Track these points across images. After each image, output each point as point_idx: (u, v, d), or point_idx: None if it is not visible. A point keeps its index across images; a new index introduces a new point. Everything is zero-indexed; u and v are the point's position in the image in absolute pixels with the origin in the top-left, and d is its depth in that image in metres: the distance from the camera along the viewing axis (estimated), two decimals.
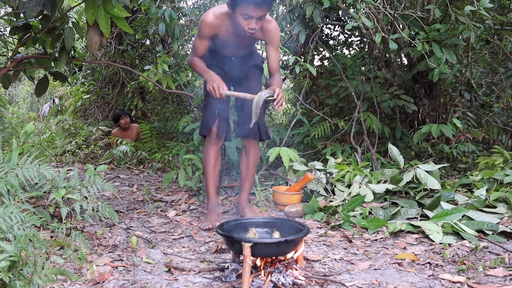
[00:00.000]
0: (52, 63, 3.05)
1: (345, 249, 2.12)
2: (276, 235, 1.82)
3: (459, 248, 2.03)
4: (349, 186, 3.04)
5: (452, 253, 1.98)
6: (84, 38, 3.01)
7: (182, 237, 2.33)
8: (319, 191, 3.10)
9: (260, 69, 2.64)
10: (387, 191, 3.00)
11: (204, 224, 2.44)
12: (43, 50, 3.10)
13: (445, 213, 2.36)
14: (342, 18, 4.22)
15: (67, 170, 3.41)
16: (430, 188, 3.03)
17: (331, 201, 2.91)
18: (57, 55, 2.88)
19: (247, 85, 2.56)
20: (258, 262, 1.69)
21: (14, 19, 3.00)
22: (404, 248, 2.10)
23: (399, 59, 4.55)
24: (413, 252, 2.01)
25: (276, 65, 2.50)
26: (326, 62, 5.34)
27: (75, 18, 4.96)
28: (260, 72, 2.65)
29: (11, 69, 2.94)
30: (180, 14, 4.73)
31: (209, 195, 2.55)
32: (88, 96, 6.75)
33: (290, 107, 6.51)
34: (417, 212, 2.55)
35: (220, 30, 2.35)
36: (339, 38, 5.39)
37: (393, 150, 3.19)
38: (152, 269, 1.86)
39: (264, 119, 2.63)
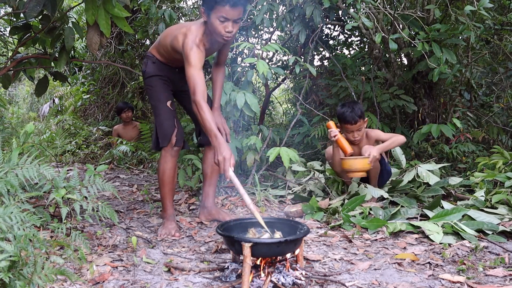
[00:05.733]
0: (52, 63, 3.06)
1: (345, 249, 2.12)
2: (277, 235, 1.82)
3: (459, 248, 2.03)
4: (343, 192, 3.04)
5: (452, 253, 1.98)
6: (84, 38, 3.01)
7: (182, 237, 2.33)
8: (316, 193, 3.10)
9: None
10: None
11: (163, 232, 2.35)
12: (43, 50, 3.10)
13: (445, 213, 2.36)
14: (342, 18, 4.22)
15: (67, 170, 3.41)
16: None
17: (330, 199, 2.91)
18: (57, 55, 2.88)
19: (186, 100, 2.54)
20: (258, 262, 1.69)
21: (14, 19, 3.00)
22: (404, 248, 2.10)
23: (399, 59, 4.55)
24: (413, 252, 2.01)
25: (226, 57, 2.61)
26: (326, 62, 5.34)
27: (75, 18, 4.97)
28: None
29: (11, 69, 2.94)
30: (180, 14, 4.74)
31: (165, 207, 2.45)
32: (88, 96, 6.75)
33: (290, 107, 6.51)
34: (417, 212, 2.55)
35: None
36: (339, 38, 5.40)
37: (396, 149, 3.19)
38: (152, 269, 1.86)
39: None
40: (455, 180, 3.07)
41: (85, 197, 1.97)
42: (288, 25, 3.84)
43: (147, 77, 2.43)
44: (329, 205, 2.74)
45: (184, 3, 5.33)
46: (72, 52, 3.08)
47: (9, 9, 3.25)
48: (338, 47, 5.47)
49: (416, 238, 2.22)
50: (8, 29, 3.74)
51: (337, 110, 2.95)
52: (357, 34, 5.17)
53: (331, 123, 2.82)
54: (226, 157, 1.96)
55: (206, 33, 2.24)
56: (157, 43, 2.44)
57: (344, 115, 2.86)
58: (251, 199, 3.05)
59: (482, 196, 2.67)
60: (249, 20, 3.93)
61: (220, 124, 2.54)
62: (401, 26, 3.38)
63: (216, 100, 2.57)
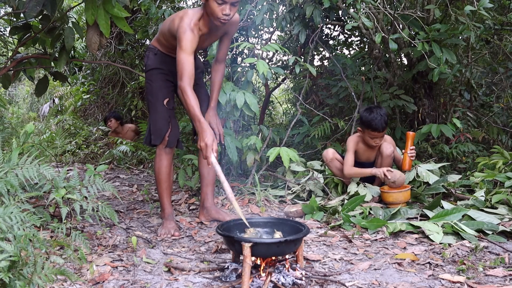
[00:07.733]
0: (52, 63, 3.06)
1: (345, 249, 2.12)
2: (278, 235, 1.82)
3: (459, 248, 2.03)
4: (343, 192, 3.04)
5: (452, 253, 1.98)
6: (84, 38, 3.01)
7: (182, 237, 2.33)
8: (316, 193, 3.10)
9: (203, 74, 2.61)
10: None
11: (162, 231, 2.35)
12: (43, 50, 3.10)
13: (445, 213, 2.36)
14: (342, 18, 4.22)
15: (67, 170, 3.41)
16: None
17: (329, 199, 2.91)
18: (57, 55, 2.88)
19: (197, 93, 2.38)
20: (258, 262, 1.69)
21: (14, 19, 3.00)
22: (404, 248, 2.10)
23: (399, 59, 4.55)
24: (413, 252, 2.01)
25: (226, 54, 2.56)
26: (326, 62, 5.34)
27: (75, 18, 4.97)
28: (202, 77, 2.63)
29: (11, 69, 2.94)
30: None
31: (164, 206, 2.45)
32: (88, 96, 6.75)
33: (290, 107, 6.51)
34: (417, 212, 2.55)
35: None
36: (339, 38, 5.40)
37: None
38: (152, 269, 1.86)
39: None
40: (454, 178, 3.07)
41: (85, 197, 1.97)
42: (288, 25, 3.84)
43: (148, 70, 2.43)
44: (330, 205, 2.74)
45: (184, 3, 5.33)
46: (72, 52, 3.09)
47: (9, 9, 3.25)
48: (338, 47, 5.47)
49: (416, 238, 2.22)
50: (8, 29, 3.74)
51: (362, 115, 2.86)
52: (357, 34, 5.16)
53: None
54: (208, 143, 1.97)
55: (204, 17, 2.24)
56: (158, 33, 2.44)
57: (374, 122, 2.76)
58: (249, 198, 3.06)
59: (482, 196, 2.67)
60: (249, 20, 3.93)
61: (215, 124, 2.52)
62: (401, 26, 3.38)
63: (213, 99, 2.55)
